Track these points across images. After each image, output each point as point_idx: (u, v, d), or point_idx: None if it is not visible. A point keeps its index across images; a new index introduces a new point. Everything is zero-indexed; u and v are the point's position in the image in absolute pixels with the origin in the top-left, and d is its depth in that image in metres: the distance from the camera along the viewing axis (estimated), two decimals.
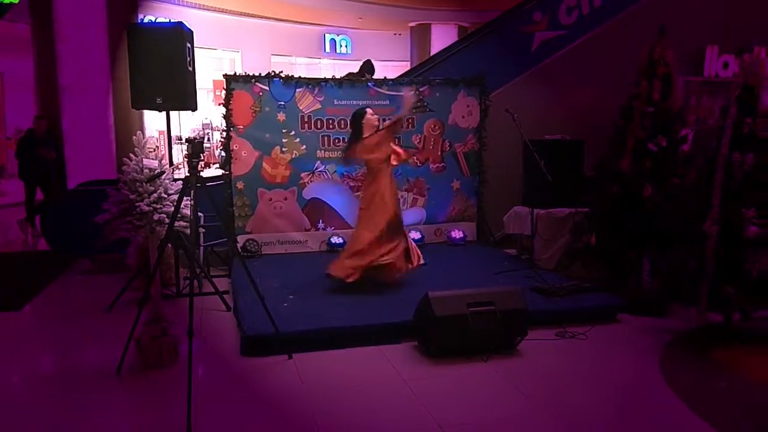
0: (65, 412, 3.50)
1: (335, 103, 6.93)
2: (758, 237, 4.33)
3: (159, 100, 5.48)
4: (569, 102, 7.58)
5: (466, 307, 4.12)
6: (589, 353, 4.33)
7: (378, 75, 7.97)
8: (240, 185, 6.71)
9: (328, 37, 16.09)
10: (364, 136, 5.34)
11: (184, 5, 11.94)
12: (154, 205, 4.57)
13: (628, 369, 4.10)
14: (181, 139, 8.51)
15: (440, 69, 7.60)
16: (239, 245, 6.64)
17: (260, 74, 6.73)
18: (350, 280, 5.15)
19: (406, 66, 13.45)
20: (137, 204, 4.53)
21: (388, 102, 7.04)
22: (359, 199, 5.56)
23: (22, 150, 8.82)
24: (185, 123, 9.46)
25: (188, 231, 4.91)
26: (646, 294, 5.18)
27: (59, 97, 8.19)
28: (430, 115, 7.17)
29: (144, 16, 10.35)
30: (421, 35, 15.79)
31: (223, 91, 6.73)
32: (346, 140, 5.62)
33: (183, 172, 5.62)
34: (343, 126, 6.86)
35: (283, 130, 6.80)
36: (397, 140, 6.25)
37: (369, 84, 7.11)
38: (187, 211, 4.73)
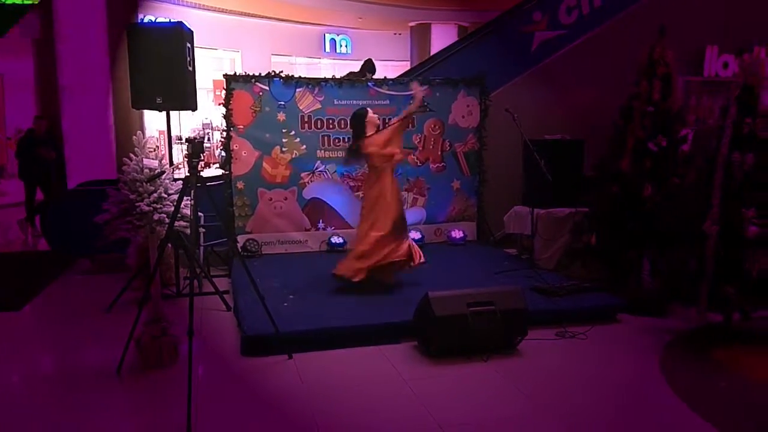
0: (65, 412, 3.50)
1: (335, 103, 6.93)
2: (758, 237, 4.33)
3: (159, 100, 5.49)
4: (569, 102, 7.58)
5: (466, 307, 4.12)
6: (589, 353, 4.33)
7: (378, 75, 7.96)
8: (240, 185, 6.72)
9: (328, 37, 16.07)
10: (369, 134, 5.33)
11: (184, 5, 11.93)
12: (154, 205, 4.57)
13: (628, 369, 4.10)
14: (181, 139, 8.50)
15: (440, 69, 7.60)
16: (239, 245, 6.64)
17: (260, 74, 6.73)
18: (356, 279, 5.14)
19: (406, 66, 13.43)
20: (137, 204, 4.54)
21: (388, 102, 7.05)
22: (362, 199, 5.53)
23: (22, 150, 8.83)
24: (185, 123, 9.46)
25: (188, 231, 4.91)
26: (646, 294, 5.19)
27: (59, 97, 8.18)
28: (430, 114, 7.16)
29: (144, 16, 10.33)
30: (421, 35, 15.77)
31: (223, 91, 6.73)
32: (349, 141, 5.57)
33: (183, 172, 5.62)
34: (343, 126, 6.86)
35: (283, 130, 6.80)
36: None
37: (369, 84, 7.11)
38: (187, 211, 4.73)
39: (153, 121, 9.37)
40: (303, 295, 5.20)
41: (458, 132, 7.39)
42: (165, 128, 5.90)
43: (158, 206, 4.59)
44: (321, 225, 7.05)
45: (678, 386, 3.76)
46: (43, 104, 9.03)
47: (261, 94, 6.70)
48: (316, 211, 7.02)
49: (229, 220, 6.62)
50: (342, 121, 6.88)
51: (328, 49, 16.10)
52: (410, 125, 7.11)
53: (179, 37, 5.51)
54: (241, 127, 6.68)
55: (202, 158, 5.33)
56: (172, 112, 5.78)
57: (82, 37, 8.01)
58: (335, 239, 6.96)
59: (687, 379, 3.93)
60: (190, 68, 5.72)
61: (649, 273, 5.22)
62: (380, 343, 4.39)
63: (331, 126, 6.94)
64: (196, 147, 3.86)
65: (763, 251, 4.34)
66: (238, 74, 6.81)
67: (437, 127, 7.31)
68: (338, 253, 6.79)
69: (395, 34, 16.39)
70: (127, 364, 3.96)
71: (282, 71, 6.82)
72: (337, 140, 6.89)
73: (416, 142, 7.24)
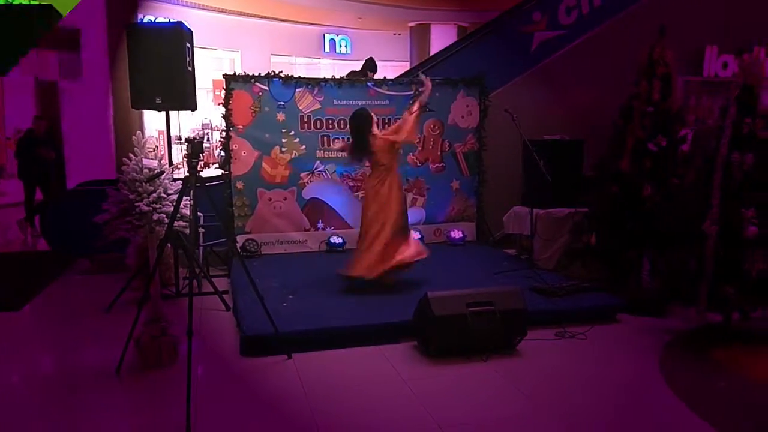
0: (65, 412, 3.50)
1: (335, 103, 6.93)
2: (757, 237, 4.33)
3: (158, 100, 5.48)
4: (569, 102, 7.58)
5: (466, 307, 4.12)
6: (589, 353, 4.33)
7: (378, 75, 7.97)
8: (239, 185, 6.72)
9: (327, 37, 16.06)
10: (375, 132, 5.35)
11: (183, 5, 11.93)
12: (154, 205, 4.57)
13: (627, 369, 4.10)
14: (180, 139, 8.51)
15: (440, 69, 7.60)
16: (239, 245, 6.64)
17: (260, 74, 6.74)
18: (371, 277, 5.16)
19: (405, 66, 13.44)
20: (137, 204, 4.53)
21: (387, 102, 7.05)
22: (368, 198, 5.40)
23: (21, 150, 8.82)
24: (185, 123, 9.48)
25: (188, 231, 4.90)
26: (646, 294, 5.19)
27: (59, 98, 8.18)
28: (429, 114, 7.16)
29: (143, 16, 10.33)
30: (420, 35, 15.77)
31: (223, 91, 6.73)
32: (348, 140, 5.51)
33: (182, 172, 5.62)
34: (342, 126, 6.86)
35: (283, 130, 6.80)
36: None
37: (368, 84, 7.11)
38: (187, 211, 4.72)
39: (152, 121, 9.37)
40: (302, 295, 5.20)
41: (458, 132, 7.39)
42: (164, 128, 5.89)
43: (158, 206, 4.58)
44: (320, 225, 7.05)
45: (677, 386, 3.76)
46: (42, 104, 9.03)
47: (260, 94, 6.70)
48: (316, 211, 7.02)
49: (228, 220, 6.62)
50: (341, 121, 6.88)
51: (327, 49, 16.10)
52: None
53: (179, 37, 5.51)
54: (241, 127, 6.68)
55: (202, 158, 5.33)
56: (171, 112, 5.77)
57: (82, 37, 8.01)
58: (334, 239, 6.96)
59: (686, 379, 3.93)
60: (190, 68, 5.72)
61: (648, 273, 5.22)
62: (380, 343, 4.39)
63: (330, 126, 6.94)
64: (195, 147, 3.86)
65: (763, 251, 4.34)
66: (237, 74, 6.81)
67: (437, 127, 7.31)
68: (337, 253, 6.81)
69: (395, 34, 16.39)
70: (126, 364, 3.96)
71: (281, 71, 6.82)
72: (336, 140, 6.89)
73: (416, 142, 7.23)
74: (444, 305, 4.10)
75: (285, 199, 6.89)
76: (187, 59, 5.61)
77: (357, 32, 16.22)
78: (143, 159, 4.57)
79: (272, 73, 6.77)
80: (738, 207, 4.38)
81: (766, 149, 4.41)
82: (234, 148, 6.66)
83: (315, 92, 6.88)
